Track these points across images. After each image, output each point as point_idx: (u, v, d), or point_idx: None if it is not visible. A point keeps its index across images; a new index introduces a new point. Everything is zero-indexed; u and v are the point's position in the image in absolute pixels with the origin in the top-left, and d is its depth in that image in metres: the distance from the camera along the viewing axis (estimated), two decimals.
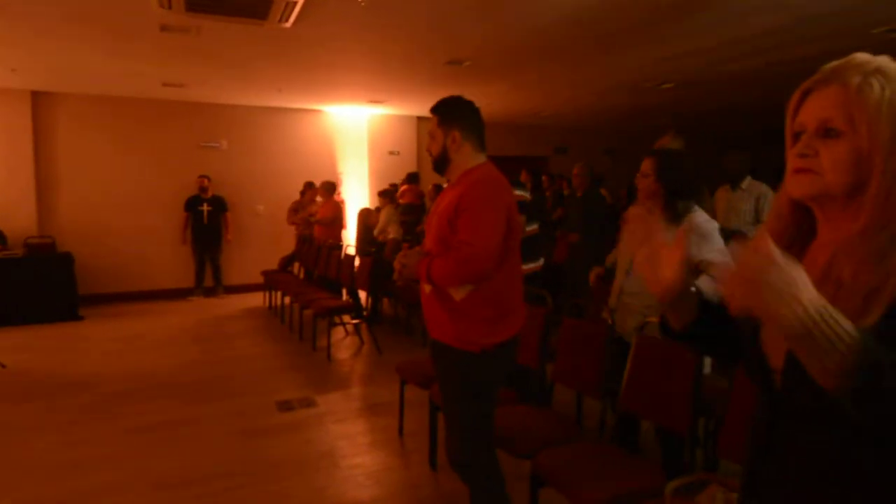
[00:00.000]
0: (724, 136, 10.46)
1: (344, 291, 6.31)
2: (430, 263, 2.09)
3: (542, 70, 6.36)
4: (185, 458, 3.25)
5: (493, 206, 2.08)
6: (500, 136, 10.09)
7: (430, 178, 8.19)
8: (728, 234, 4.26)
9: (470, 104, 2.25)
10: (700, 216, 2.50)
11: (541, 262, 3.84)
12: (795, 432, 0.92)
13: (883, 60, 0.87)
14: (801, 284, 0.74)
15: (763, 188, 4.33)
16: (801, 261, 0.96)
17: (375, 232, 6.90)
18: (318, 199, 7.68)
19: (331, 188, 7.47)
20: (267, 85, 7.08)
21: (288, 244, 8.06)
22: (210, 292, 8.25)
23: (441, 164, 2.24)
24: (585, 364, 2.56)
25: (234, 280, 8.51)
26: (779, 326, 0.74)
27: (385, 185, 8.16)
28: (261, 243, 8.56)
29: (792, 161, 0.91)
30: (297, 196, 8.13)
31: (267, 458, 3.25)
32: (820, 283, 0.88)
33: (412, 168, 9.17)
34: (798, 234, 0.98)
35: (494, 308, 2.12)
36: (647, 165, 2.58)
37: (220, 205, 8.16)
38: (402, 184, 7.94)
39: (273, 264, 7.90)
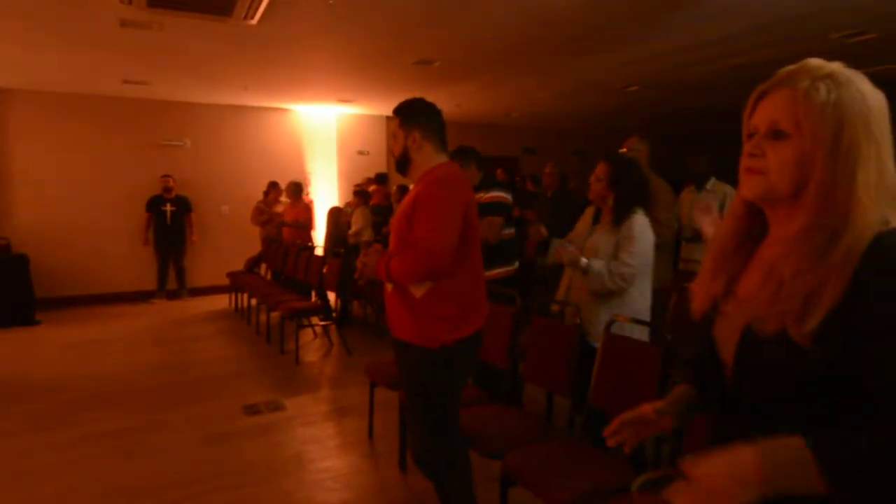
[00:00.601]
0: (689, 138, 10.69)
1: (313, 293, 6.24)
2: (388, 261, 2.10)
3: (511, 71, 6.40)
4: (148, 465, 3.16)
5: (450, 202, 2.08)
6: (470, 136, 10.10)
7: (398, 179, 8.15)
8: (696, 233, 4.37)
9: (431, 105, 2.26)
10: (639, 220, 2.64)
11: (515, 265, 3.82)
12: (746, 425, 0.94)
13: (835, 66, 0.89)
14: (741, 479, 0.80)
15: (727, 189, 4.43)
16: (751, 258, 1.00)
17: (350, 232, 6.82)
18: (283, 199, 7.58)
19: (298, 189, 7.37)
20: (232, 83, 6.95)
21: (254, 245, 7.92)
22: (173, 295, 8.05)
23: (403, 164, 2.25)
24: (555, 363, 2.57)
25: (199, 282, 8.33)
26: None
27: (356, 185, 8.09)
28: (226, 244, 8.39)
29: (743, 161, 0.94)
30: (262, 197, 7.99)
31: (233, 464, 3.17)
32: (764, 282, 0.91)
33: (381, 168, 9.12)
34: (751, 233, 1.01)
35: (455, 305, 2.12)
36: (601, 170, 2.72)
37: (184, 205, 7.98)
38: (370, 184, 7.88)
39: (239, 265, 7.75)
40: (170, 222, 7.85)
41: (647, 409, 1.15)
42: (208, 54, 5.57)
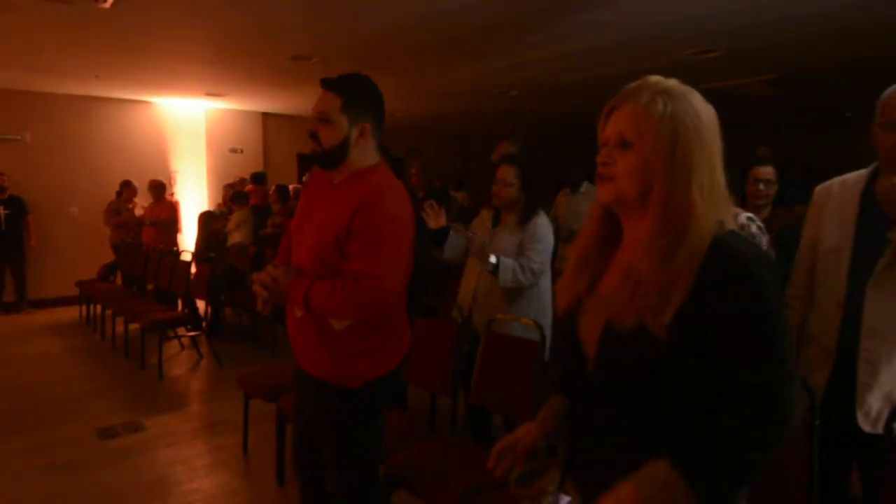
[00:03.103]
0: (566, 141, 11.29)
1: (179, 302, 5.78)
2: (309, 287, 1.67)
3: (392, 72, 6.37)
4: None
5: (401, 227, 1.72)
6: None
7: (276, 179, 7.82)
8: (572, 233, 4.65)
9: (378, 88, 1.82)
10: (543, 220, 2.70)
11: None
12: (607, 415, 1.02)
13: (672, 83, 0.99)
14: None
15: None
16: (610, 259, 1.07)
17: (227, 229, 6.39)
18: (137, 200, 7.06)
19: (161, 187, 6.82)
20: (82, 71, 6.24)
21: (110, 251, 7.19)
22: (11, 308, 7.07)
23: (336, 157, 1.73)
24: (436, 363, 2.57)
25: (42, 293, 7.38)
26: None
27: (227, 186, 7.62)
28: (75, 250, 7.49)
29: (598, 169, 1.01)
30: (114, 197, 7.28)
31: (84, 493, 2.83)
32: (623, 281, 0.98)
33: (257, 167, 8.66)
34: (608, 237, 1.08)
35: (381, 336, 1.77)
36: (510, 174, 2.64)
37: (18, 207, 7.02)
38: (245, 184, 7.50)
39: (91, 273, 6.94)
40: (3, 227, 6.89)
41: (524, 436, 1.21)
42: (52, 38, 4.95)
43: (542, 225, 2.67)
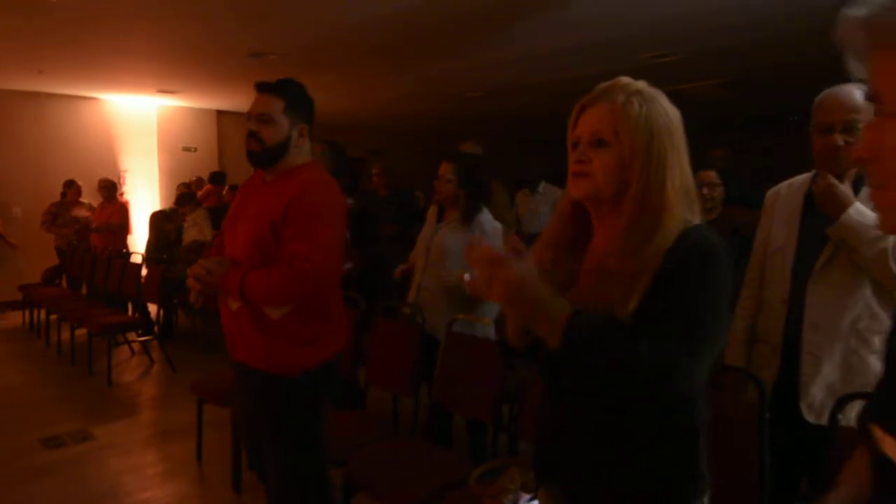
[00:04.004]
0: (526, 142, 11.40)
1: (129, 306, 5.57)
2: (243, 277, 1.74)
3: (350, 71, 6.33)
4: None
5: (336, 215, 1.83)
6: (314, 135, 9.77)
7: (234, 179, 7.63)
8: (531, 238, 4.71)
9: (311, 97, 1.99)
10: (486, 216, 2.72)
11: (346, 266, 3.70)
12: (576, 406, 1.04)
13: (642, 84, 1.02)
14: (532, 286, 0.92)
15: (558, 192, 4.82)
16: (582, 257, 1.08)
17: (189, 240, 6.18)
18: (83, 200, 6.75)
19: (112, 187, 6.56)
20: (25, 65, 5.96)
21: (55, 253, 6.88)
22: None
23: (275, 156, 1.85)
24: (398, 364, 2.55)
25: None
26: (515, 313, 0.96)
27: (181, 186, 7.39)
28: (18, 253, 7.16)
29: (571, 166, 1.03)
30: (59, 197, 6.97)
31: None
32: (596, 276, 0.99)
33: (211, 166, 8.44)
34: (579, 233, 1.10)
35: (318, 324, 1.84)
36: (448, 171, 2.71)
37: None
38: (203, 184, 7.31)
39: (35, 277, 6.64)
40: None
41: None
42: None
43: (489, 223, 2.70)
